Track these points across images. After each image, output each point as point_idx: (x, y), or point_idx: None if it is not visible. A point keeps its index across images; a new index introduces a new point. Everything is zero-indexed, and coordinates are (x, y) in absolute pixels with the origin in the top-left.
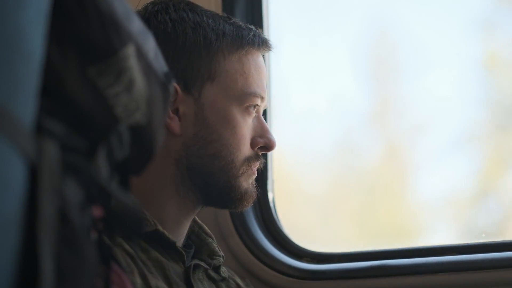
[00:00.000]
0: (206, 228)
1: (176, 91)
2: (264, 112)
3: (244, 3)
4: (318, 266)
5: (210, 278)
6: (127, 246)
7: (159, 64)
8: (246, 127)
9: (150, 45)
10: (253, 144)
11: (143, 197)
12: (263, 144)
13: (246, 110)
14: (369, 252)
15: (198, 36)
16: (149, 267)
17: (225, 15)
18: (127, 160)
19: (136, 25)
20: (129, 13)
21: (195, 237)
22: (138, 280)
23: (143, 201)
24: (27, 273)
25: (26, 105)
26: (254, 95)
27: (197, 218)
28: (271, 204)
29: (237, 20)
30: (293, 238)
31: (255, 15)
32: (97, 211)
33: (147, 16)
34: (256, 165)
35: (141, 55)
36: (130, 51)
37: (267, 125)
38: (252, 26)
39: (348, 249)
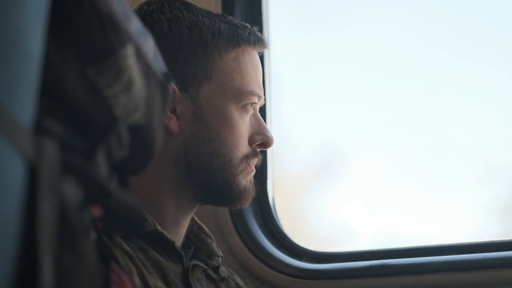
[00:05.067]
0: (205, 228)
1: (173, 90)
2: (261, 109)
3: (244, 3)
4: (318, 265)
5: (210, 278)
6: (126, 246)
7: (158, 64)
8: (244, 125)
9: (149, 45)
10: (251, 141)
11: (142, 197)
12: (260, 141)
13: (244, 108)
14: (369, 252)
15: (194, 36)
16: (147, 267)
17: (220, 13)
18: (126, 160)
19: (135, 25)
20: (128, 13)
21: (194, 237)
22: (137, 280)
23: (142, 201)
24: (26, 273)
25: (25, 105)
26: (252, 93)
27: (196, 218)
28: (271, 204)
29: (232, 18)
30: (293, 237)
31: (255, 14)
32: (96, 211)
33: (142, 16)
34: (254, 162)
35: (140, 55)
36: (129, 51)
37: (264, 122)
38: (247, 24)
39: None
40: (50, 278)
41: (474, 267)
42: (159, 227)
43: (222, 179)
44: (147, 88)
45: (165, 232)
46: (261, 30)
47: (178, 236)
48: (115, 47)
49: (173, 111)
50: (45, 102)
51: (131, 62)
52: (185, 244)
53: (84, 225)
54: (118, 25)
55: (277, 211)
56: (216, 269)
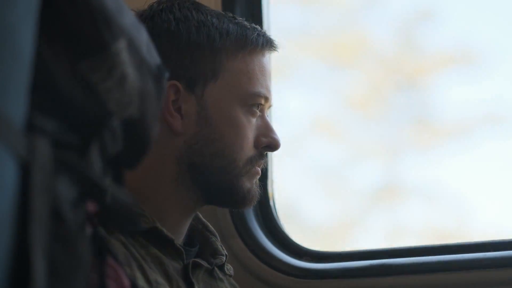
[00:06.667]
0: (210, 226)
1: (178, 89)
2: None
3: (244, 2)
4: (318, 265)
5: (215, 278)
6: (125, 241)
7: (152, 57)
8: (250, 127)
9: (143, 38)
10: (256, 144)
11: (143, 194)
12: (267, 144)
13: (250, 109)
14: (370, 251)
15: (201, 35)
16: (148, 262)
17: (231, 14)
18: (120, 155)
19: (128, 19)
20: (120, 6)
21: (199, 235)
22: (137, 274)
23: (143, 199)
24: (20, 272)
25: (16, 103)
26: (258, 95)
27: (201, 216)
28: (271, 203)
29: (243, 19)
30: (293, 237)
31: (255, 14)
32: (91, 206)
33: (151, 14)
34: (260, 164)
35: (133, 48)
36: (122, 45)
37: (271, 124)
38: (257, 26)
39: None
40: (43, 277)
41: (474, 267)
42: (158, 225)
43: (225, 180)
44: (141, 81)
45: (164, 230)
46: None
47: (179, 234)
48: (107, 41)
49: (178, 110)
50: (37, 99)
51: (124, 56)
52: (190, 243)
53: (79, 223)
54: (110, 19)
55: (277, 211)
56: (221, 268)
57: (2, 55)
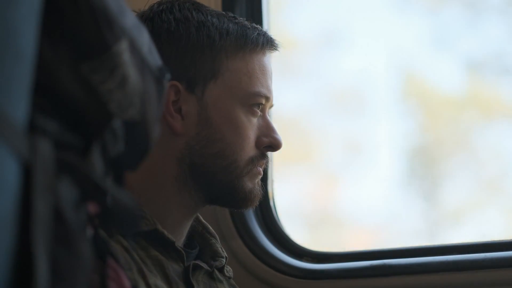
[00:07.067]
0: (210, 227)
1: (179, 90)
2: None
3: (243, 2)
4: (319, 265)
5: (215, 279)
6: (126, 244)
7: (153, 58)
8: (250, 127)
9: (144, 39)
10: (258, 144)
11: (145, 196)
12: (268, 144)
13: (250, 109)
14: (370, 252)
15: (201, 35)
16: (148, 265)
17: (231, 14)
18: (122, 156)
19: (130, 20)
20: (122, 8)
21: (199, 237)
22: (137, 277)
23: (144, 200)
24: (22, 273)
25: (19, 104)
26: (258, 94)
27: (201, 218)
28: (272, 204)
29: (243, 19)
30: (294, 237)
31: (255, 14)
32: (93, 207)
33: (151, 15)
34: (262, 164)
35: (134, 50)
36: (123, 46)
37: (272, 124)
38: (258, 26)
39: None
40: (45, 278)
41: (474, 267)
42: (159, 227)
43: (226, 180)
44: (142, 83)
45: (165, 232)
46: None
47: (180, 235)
48: (109, 42)
49: (178, 110)
50: (39, 100)
51: (126, 57)
52: (190, 244)
53: (80, 224)
54: (112, 20)
55: (277, 211)
56: (221, 270)
57: (4, 56)
